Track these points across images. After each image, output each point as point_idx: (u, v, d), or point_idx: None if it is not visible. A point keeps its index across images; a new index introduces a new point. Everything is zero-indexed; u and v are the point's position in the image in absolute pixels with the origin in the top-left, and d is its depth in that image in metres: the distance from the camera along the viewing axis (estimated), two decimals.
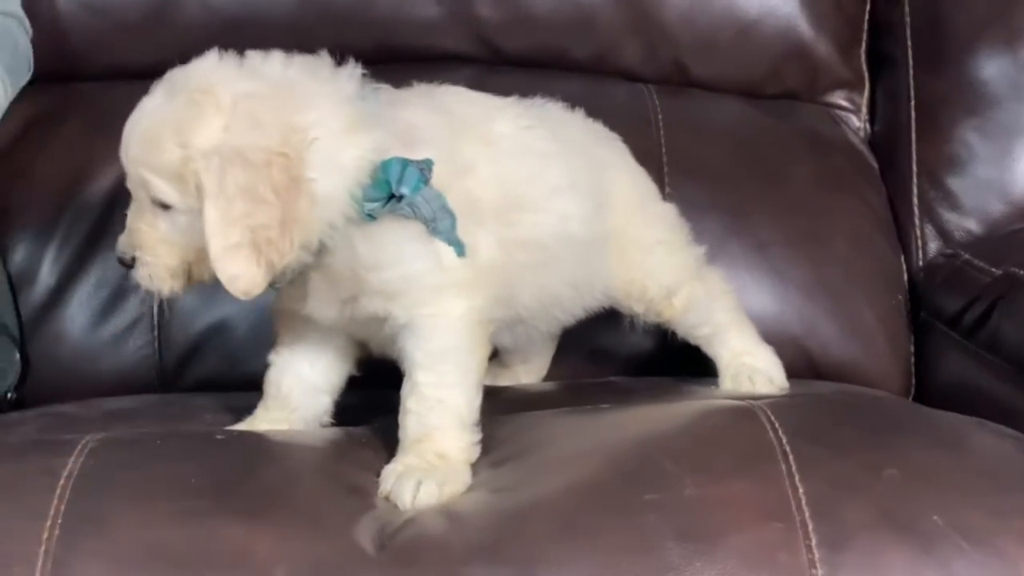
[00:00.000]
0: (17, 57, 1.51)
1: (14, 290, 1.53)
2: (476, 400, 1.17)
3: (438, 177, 1.14)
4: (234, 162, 1.09)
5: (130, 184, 1.16)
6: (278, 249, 1.10)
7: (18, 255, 1.55)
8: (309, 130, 1.11)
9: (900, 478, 1.07)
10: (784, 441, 1.11)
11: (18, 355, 1.49)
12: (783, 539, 1.02)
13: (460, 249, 1.13)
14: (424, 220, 1.13)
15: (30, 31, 1.56)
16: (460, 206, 1.15)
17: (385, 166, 1.12)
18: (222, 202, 1.08)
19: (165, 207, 1.13)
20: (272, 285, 1.15)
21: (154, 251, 1.15)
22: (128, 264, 1.16)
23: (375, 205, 1.12)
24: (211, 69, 1.14)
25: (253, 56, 1.17)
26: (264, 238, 1.09)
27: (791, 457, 1.09)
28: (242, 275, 1.10)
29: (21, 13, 1.54)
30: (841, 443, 1.11)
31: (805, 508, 1.04)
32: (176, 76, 1.15)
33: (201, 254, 1.12)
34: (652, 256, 1.35)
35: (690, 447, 1.12)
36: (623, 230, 1.33)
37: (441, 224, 1.13)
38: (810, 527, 1.03)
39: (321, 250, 1.14)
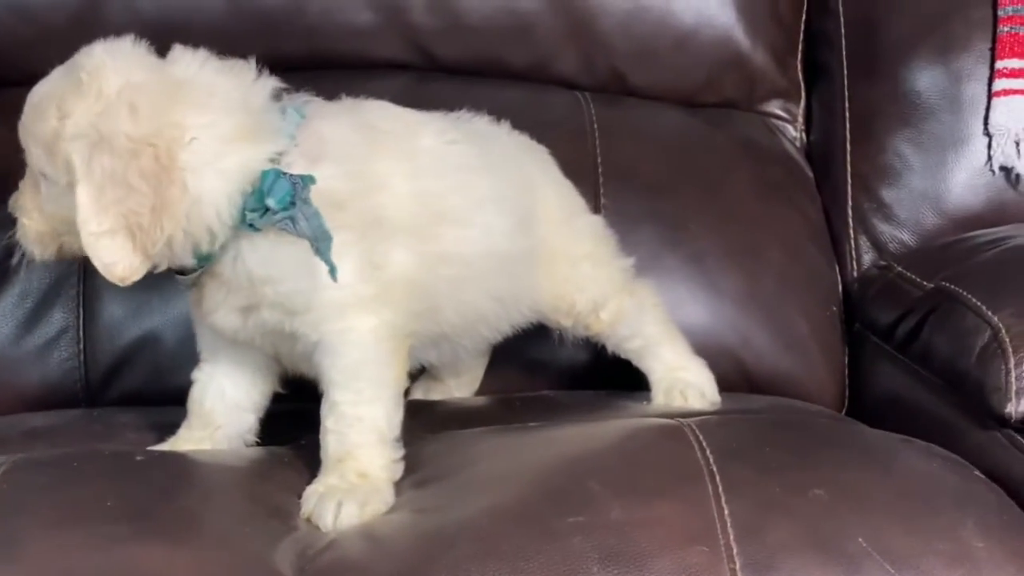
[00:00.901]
0: None
1: None
2: (396, 415, 1.15)
3: (338, 193, 1.13)
4: (101, 148, 1.11)
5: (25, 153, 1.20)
6: (150, 236, 1.11)
7: None
8: (190, 130, 1.12)
9: (827, 499, 1.06)
10: (711, 461, 1.10)
11: None
12: (708, 562, 1.02)
13: (333, 272, 1.12)
14: (306, 238, 1.12)
15: None
16: (366, 221, 1.15)
17: (262, 176, 1.12)
18: (92, 188, 1.11)
19: (44, 175, 1.17)
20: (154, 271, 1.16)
21: (29, 214, 1.20)
22: (12, 220, 1.21)
23: (254, 215, 1.12)
24: (114, 54, 1.16)
25: (176, 50, 1.19)
26: (136, 223, 1.10)
27: (718, 478, 1.08)
28: (118, 262, 1.12)
29: None
30: (768, 463, 1.11)
31: (731, 530, 1.04)
32: (82, 54, 1.18)
33: (71, 227, 1.14)
34: (579, 269, 1.34)
35: (617, 468, 1.11)
36: (549, 244, 1.32)
37: (320, 243, 1.12)
38: (735, 550, 1.02)
39: (209, 255, 1.14)
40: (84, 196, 1.10)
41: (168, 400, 1.39)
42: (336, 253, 1.12)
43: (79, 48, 1.62)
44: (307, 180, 1.12)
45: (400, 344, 1.17)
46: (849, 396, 1.58)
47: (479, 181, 1.25)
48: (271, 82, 1.19)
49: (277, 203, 1.11)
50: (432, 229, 1.20)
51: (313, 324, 1.14)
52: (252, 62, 1.20)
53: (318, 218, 1.11)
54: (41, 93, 1.18)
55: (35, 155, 1.16)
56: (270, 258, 1.14)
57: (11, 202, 1.22)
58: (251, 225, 1.12)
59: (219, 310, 1.18)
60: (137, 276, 1.12)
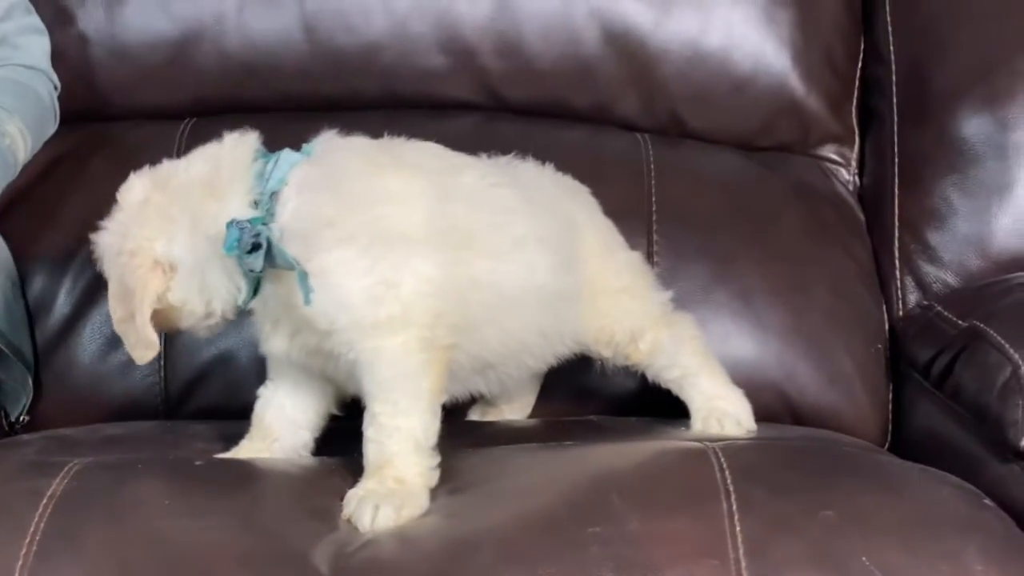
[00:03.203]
0: (42, 110, 1.59)
1: (31, 318, 1.62)
2: (433, 425, 1.23)
3: (324, 212, 1.23)
4: (113, 263, 1.29)
5: None
6: (133, 339, 1.28)
7: (36, 285, 1.63)
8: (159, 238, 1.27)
9: (835, 520, 1.12)
10: (729, 481, 1.16)
11: (31, 380, 1.57)
12: (716, 575, 1.07)
13: (307, 298, 1.21)
14: (290, 269, 1.22)
15: (58, 85, 1.64)
16: (366, 236, 1.23)
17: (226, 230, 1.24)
18: (112, 285, 1.29)
19: None
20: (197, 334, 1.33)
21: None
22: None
23: (248, 259, 1.24)
24: (141, 176, 1.32)
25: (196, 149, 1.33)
26: (125, 328, 1.28)
27: (733, 496, 1.14)
28: (133, 344, 1.28)
29: (47, 67, 1.62)
30: (784, 485, 1.16)
31: (740, 546, 1.09)
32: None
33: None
34: (618, 302, 1.41)
35: (638, 484, 1.18)
36: (591, 280, 1.39)
37: (297, 273, 1.21)
38: (743, 564, 1.08)
39: (244, 300, 1.28)
40: (110, 300, 1.30)
41: (239, 415, 1.48)
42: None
43: (171, 86, 1.76)
44: (255, 221, 1.23)
45: (435, 356, 1.23)
46: (892, 431, 1.62)
47: (519, 221, 1.32)
48: (251, 139, 1.30)
49: (226, 250, 1.23)
50: (459, 253, 1.27)
51: (347, 343, 1.23)
52: (251, 134, 1.32)
53: (284, 255, 1.21)
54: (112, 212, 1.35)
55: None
56: (293, 287, 1.22)
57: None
58: (251, 270, 1.24)
59: (270, 337, 1.29)
60: (144, 360, 1.29)
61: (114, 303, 1.29)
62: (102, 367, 1.61)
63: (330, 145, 1.30)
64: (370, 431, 1.22)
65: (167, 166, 1.32)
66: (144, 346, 1.27)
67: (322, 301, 1.22)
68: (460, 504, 1.18)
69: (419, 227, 1.25)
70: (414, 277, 1.23)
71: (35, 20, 1.62)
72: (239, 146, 1.29)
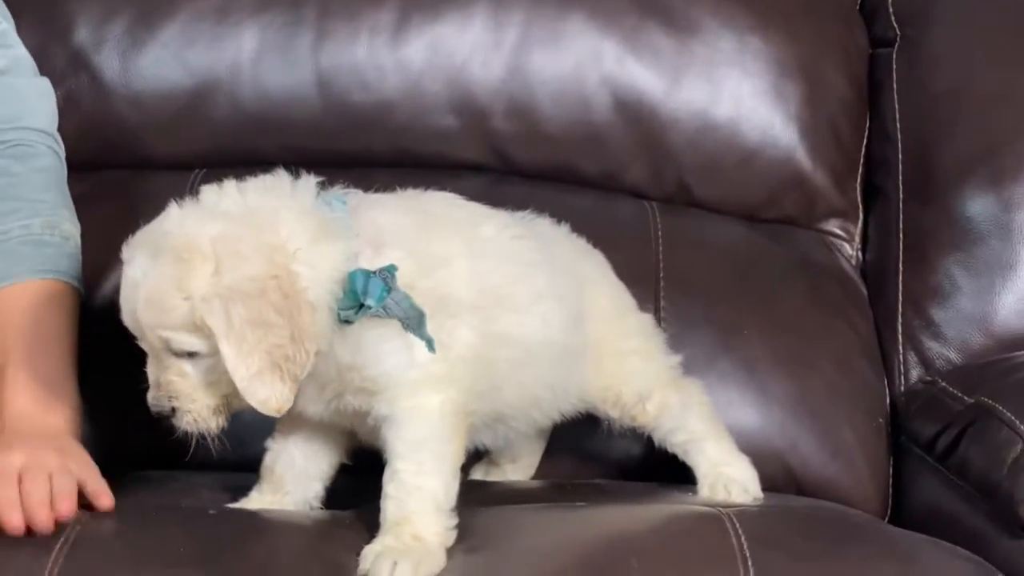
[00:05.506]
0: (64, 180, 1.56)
1: None
2: (453, 486, 1.23)
3: (405, 275, 1.21)
4: (232, 299, 1.16)
5: (145, 344, 1.23)
6: (296, 362, 1.17)
7: None
8: (286, 244, 1.19)
9: None
10: (745, 547, 1.16)
11: None
12: None
13: (431, 345, 1.20)
14: (397, 318, 1.20)
15: (62, 150, 1.59)
16: (429, 301, 1.22)
17: (351, 278, 1.19)
18: (233, 338, 1.15)
19: (191, 355, 1.20)
20: None
21: (192, 397, 1.21)
22: (168, 415, 1.23)
23: (349, 312, 1.20)
24: (181, 222, 1.21)
25: (208, 193, 1.24)
26: (282, 356, 1.16)
27: (750, 562, 1.15)
28: (271, 396, 1.17)
29: (54, 130, 1.58)
30: (799, 552, 1.17)
31: None
32: (150, 237, 1.21)
33: (235, 386, 1.19)
34: (626, 363, 1.42)
35: (655, 547, 1.18)
36: (601, 340, 1.40)
37: (412, 321, 1.20)
38: None
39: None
40: (227, 348, 1.16)
41: (243, 467, 1.47)
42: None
43: (184, 136, 1.76)
44: (391, 270, 1.20)
45: (461, 421, 1.24)
46: (892, 505, 1.63)
47: (539, 275, 1.33)
48: (310, 180, 1.25)
49: (376, 302, 1.18)
50: (492, 311, 1.28)
51: (388, 402, 1.23)
52: (281, 172, 1.26)
53: (408, 300, 1.19)
54: (150, 290, 1.19)
55: (180, 342, 1.19)
56: (357, 347, 1.21)
57: (157, 400, 1.22)
58: (346, 321, 1.20)
59: (311, 399, 1.25)
60: (289, 404, 1.18)
61: (240, 357, 1.15)
62: (102, 417, 1.59)
63: (361, 200, 1.29)
64: (390, 487, 1.21)
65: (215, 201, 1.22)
66: (284, 394, 1.16)
67: (376, 359, 1.21)
68: (477, 564, 1.18)
69: (463, 289, 1.25)
70: (461, 340, 1.23)
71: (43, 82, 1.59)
72: (303, 186, 1.24)
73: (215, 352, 1.18)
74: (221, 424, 1.23)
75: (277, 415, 1.19)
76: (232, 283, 1.16)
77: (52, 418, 1.32)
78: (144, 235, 1.22)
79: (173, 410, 1.22)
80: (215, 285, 1.17)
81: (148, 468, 1.57)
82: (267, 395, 1.17)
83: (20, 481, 1.19)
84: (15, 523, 1.16)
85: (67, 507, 1.18)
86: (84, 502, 1.23)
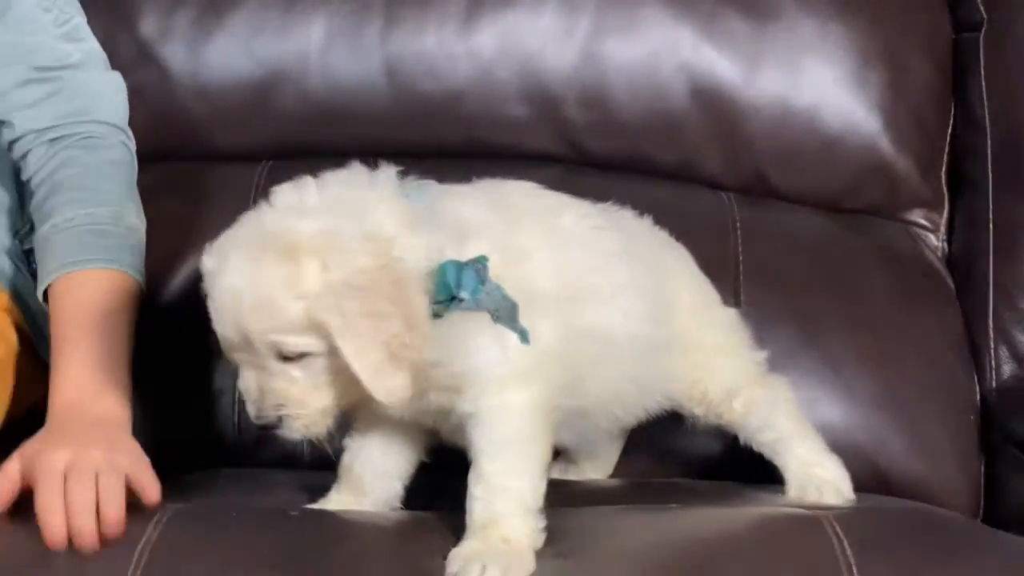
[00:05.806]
0: (134, 173, 1.54)
1: None
2: (541, 487, 1.19)
3: (492, 267, 1.17)
4: (346, 294, 1.12)
5: (242, 355, 1.17)
6: (415, 348, 1.13)
7: None
8: (384, 232, 1.15)
9: None
10: (850, 555, 1.12)
11: None
12: None
13: (524, 336, 1.16)
14: (488, 310, 1.16)
15: (134, 145, 1.57)
16: (516, 294, 1.18)
17: (442, 270, 1.16)
18: (351, 335, 1.12)
19: (300, 358, 1.15)
20: None
21: (303, 402, 1.17)
22: (274, 425, 1.18)
23: (440, 306, 1.16)
24: (274, 222, 1.16)
25: (283, 191, 1.19)
26: (399, 345, 1.12)
27: (855, 571, 1.10)
28: (394, 386, 1.13)
29: (126, 124, 1.55)
30: (908, 562, 1.13)
31: None
32: (241, 241, 1.16)
33: (348, 384, 1.15)
34: (712, 359, 1.38)
35: (756, 552, 1.14)
36: (685, 334, 1.36)
37: (504, 312, 1.16)
38: None
39: None
40: (346, 344, 1.12)
41: (318, 465, 1.44)
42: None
43: (251, 127, 1.73)
44: (483, 260, 1.16)
45: (547, 419, 1.20)
46: (984, 506, 1.58)
47: (620, 266, 1.30)
48: (390, 170, 1.21)
49: (470, 294, 1.15)
50: (575, 304, 1.24)
51: (472, 399, 1.19)
52: (357, 164, 1.22)
53: (500, 291, 1.16)
54: (255, 294, 1.14)
55: (293, 345, 1.14)
56: (445, 342, 1.17)
57: (262, 411, 1.17)
58: (436, 315, 1.16)
59: None
60: (410, 392, 1.14)
61: (360, 353, 1.11)
62: (176, 411, 1.56)
63: (439, 190, 1.26)
64: (477, 489, 1.18)
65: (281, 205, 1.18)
66: (405, 382, 1.12)
67: (465, 354, 1.17)
68: (569, 567, 1.14)
69: (547, 282, 1.22)
70: (546, 334, 1.19)
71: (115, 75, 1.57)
72: (383, 177, 1.20)
73: (328, 351, 1.14)
74: (329, 426, 1.19)
75: (400, 405, 1.15)
76: (343, 278, 1.13)
77: (103, 405, 1.29)
78: (231, 240, 1.17)
79: (279, 419, 1.17)
80: (326, 281, 1.13)
81: (209, 467, 1.55)
82: (391, 386, 1.13)
83: (65, 480, 1.15)
84: (57, 530, 1.12)
85: (113, 513, 1.14)
86: (133, 498, 1.18)
